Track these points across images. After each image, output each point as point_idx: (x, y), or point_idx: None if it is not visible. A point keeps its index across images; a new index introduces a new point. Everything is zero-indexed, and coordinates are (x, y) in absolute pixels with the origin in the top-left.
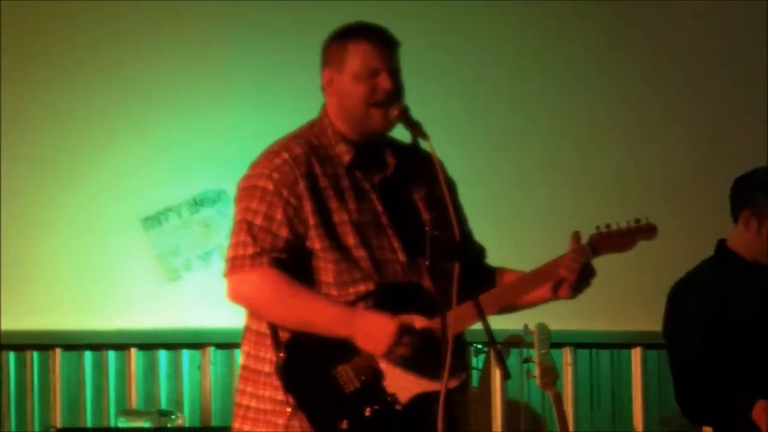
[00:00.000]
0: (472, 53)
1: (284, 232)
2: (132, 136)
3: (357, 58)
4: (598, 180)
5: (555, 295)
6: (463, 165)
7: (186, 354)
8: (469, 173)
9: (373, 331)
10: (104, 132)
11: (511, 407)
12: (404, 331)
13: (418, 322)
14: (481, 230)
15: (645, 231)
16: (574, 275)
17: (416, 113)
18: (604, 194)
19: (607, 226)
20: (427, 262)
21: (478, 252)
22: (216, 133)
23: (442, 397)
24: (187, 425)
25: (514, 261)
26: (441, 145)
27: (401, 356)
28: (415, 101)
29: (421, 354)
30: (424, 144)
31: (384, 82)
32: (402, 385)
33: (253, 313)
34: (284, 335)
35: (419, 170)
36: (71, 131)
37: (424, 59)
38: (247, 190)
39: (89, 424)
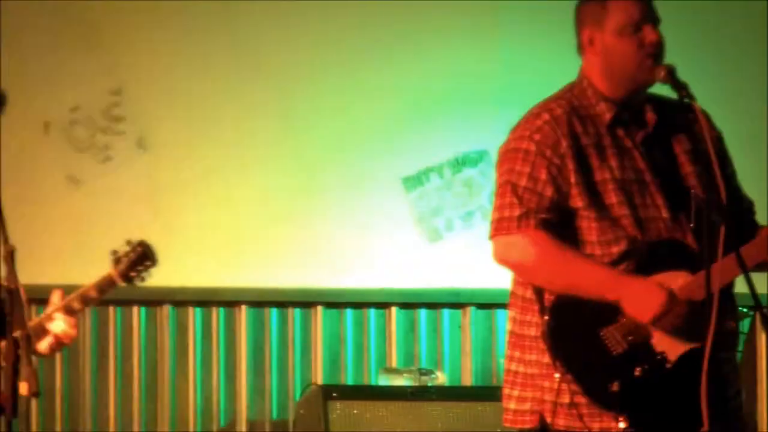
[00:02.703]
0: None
1: (549, 192)
2: (393, 97)
3: (619, 13)
4: None
5: None
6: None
7: (446, 313)
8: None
9: (642, 299)
10: (367, 93)
11: None
12: (673, 301)
13: (682, 278)
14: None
15: None
16: None
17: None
18: None
19: None
20: (691, 224)
21: (747, 206)
22: (478, 93)
23: (706, 355)
24: (447, 384)
25: None
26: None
27: (669, 325)
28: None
29: (687, 320)
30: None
31: (650, 34)
32: (670, 343)
33: (520, 275)
34: (549, 298)
35: (681, 124)
36: (334, 88)
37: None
38: (509, 153)
39: (350, 381)
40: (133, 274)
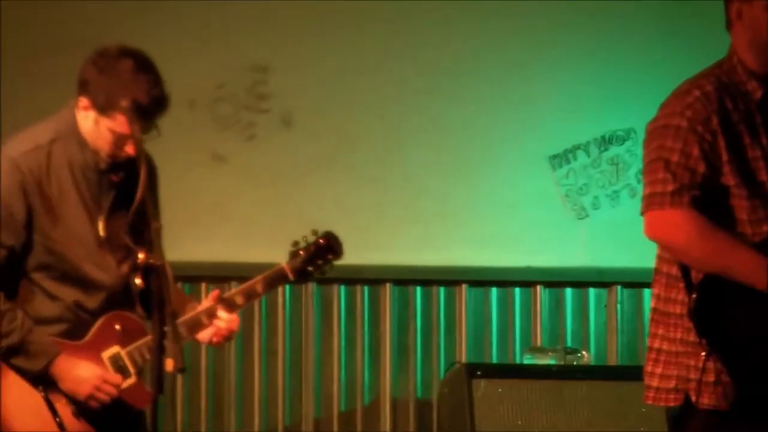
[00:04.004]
0: None
1: (701, 168)
2: (540, 75)
3: None
4: None
5: None
6: None
7: (592, 292)
8: None
9: None
10: (513, 71)
11: None
12: None
13: None
14: None
15: None
16: None
17: None
18: None
19: None
20: None
21: None
22: (625, 71)
23: None
24: (592, 363)
25: None
26: None
27: None
28: None
29: None
30: None
31: None
32: None
33: (670, 253)
34: (696, 276)
35: None
36: (479, 66)
37: None
38: (659, 130)
39: (494, 359)
40: (310, 268)
